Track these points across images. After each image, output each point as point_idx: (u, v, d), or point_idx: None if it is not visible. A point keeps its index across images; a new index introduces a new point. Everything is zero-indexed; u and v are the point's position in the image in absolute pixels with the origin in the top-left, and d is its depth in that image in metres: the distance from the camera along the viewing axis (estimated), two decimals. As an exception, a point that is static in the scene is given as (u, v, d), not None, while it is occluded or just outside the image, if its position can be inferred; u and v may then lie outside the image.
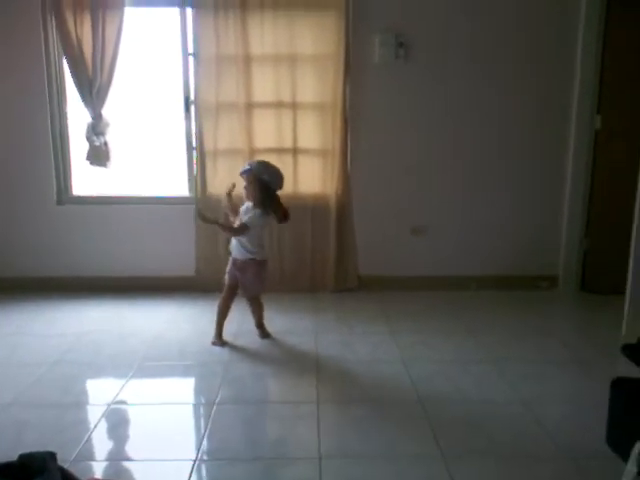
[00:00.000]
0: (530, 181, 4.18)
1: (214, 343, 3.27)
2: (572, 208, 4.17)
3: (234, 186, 3.25)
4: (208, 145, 4.05)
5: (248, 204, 3.19)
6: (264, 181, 3.10)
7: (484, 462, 2.13)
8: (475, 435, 2.31)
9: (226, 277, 3.31)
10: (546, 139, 4.14)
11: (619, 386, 2.17)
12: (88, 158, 4.05)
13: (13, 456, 1.89)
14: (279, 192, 3.20)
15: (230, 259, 3.29)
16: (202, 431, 2.37)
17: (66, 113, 4.17)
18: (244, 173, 3.16)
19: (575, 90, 4.05)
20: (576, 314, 3.99)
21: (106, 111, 4.01)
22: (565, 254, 4.23)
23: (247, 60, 3.95)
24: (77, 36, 3.89)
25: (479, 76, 4.04)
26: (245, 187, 3.18)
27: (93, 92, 3.94)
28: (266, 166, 3.16)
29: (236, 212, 3.26)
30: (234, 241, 3.23)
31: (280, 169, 3.19)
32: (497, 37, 4.01)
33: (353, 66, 3.99)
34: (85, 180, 4.27)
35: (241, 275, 3.24)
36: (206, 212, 3.31)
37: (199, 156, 4.07)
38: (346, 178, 4.11)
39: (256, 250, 3.20)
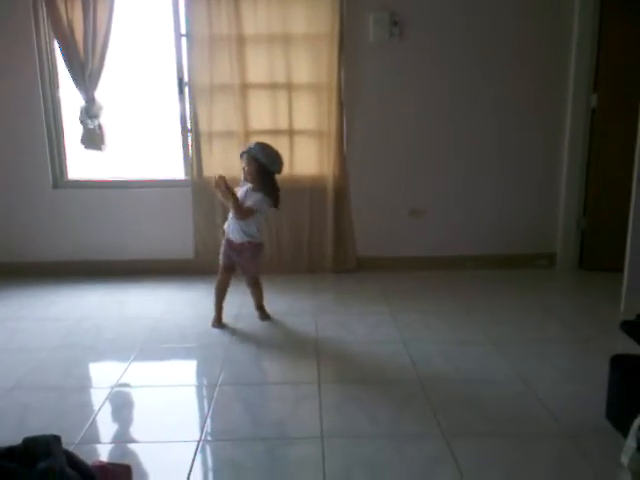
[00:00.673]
0: (527, 161, 4.18)
1: (214, 325, 3.28)
2: (569, 187, 4.18)
3: (220, 178, 3.06)
4: (203, 127, 4.02)
5: (246, 185, 3.18)
6: (260, 162, 3.09)
7: (485, 440, 2.15)
8: (476, 414, 2.33)
9: (220, 258, 3.30)
10: (543, 119, 4.13)
11: (618, 362, 2.20)
12: (82, 141, 4.03)
13: (17, 440, 1.90)
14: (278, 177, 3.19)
15: (224, 240, 3.28)
16: (205, 412, 2.38)
17: (59, 97, 4.14)
18: (242, 153, 3.15)
19: (571, 69, 4.04)
20: (574, 292, 4.01)
21: (99, 94, 3.98)
22: (563, 233, 4.24)
23: (241, 41, 3.91)
24: (68, 20, 3.85)
25: (474, 55, 4.02)
26: (243, 168, 3.17)
27: (85, 75, 3.91)
28: (263, 148, 3.13)
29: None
30: (231, 223, 3.21)
31: (279, 153, 3.16)
32: (492, 15, 3.97)
33: (347, 46, 3.96)
34: (80, 164, 4.24)
35: (238, 257, 3.24)
36: (219, 180, 3.08)
37: (194, 138, 4.05)
38: (342, 159, 4.09)
39: (254, 233, 3.19)
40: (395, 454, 2.06)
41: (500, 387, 2.56)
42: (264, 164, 3.10)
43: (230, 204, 3.11)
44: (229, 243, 3.25)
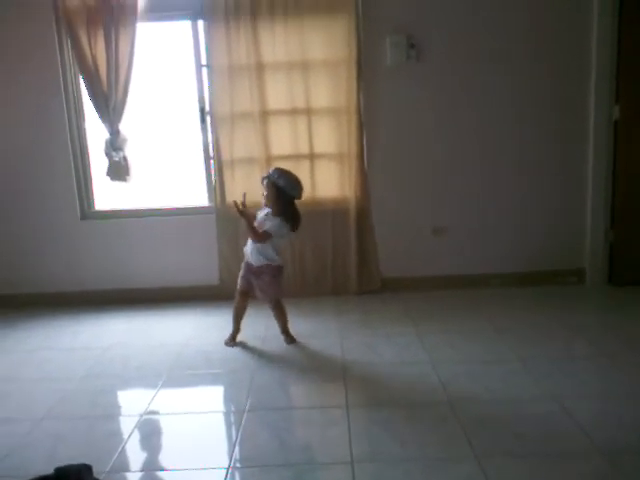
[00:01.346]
0: (551, 175, 4.13)
1: (226, 343, 3.35)
2: (595, 200, 4.11)
3: (240, 204, 3.15)
4: (225, 154, 4.08)
5: (266, 210, 3.21)
6: (279, 187, 3.13)
7: (519, 461, 2.10)
8: (507, 434, 2.28)
9: (239, 282, 3.34)
10: (565, 133, 4.09)
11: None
12: (108, 174, 4.10)
13: (49, 469, 1.93)
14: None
15: (243, 264, 3.32)
16: (233, 439, 2.37)
17: (85, 130, 4.24)
18: (263, 179, 3.21)
19: (592, 83, 4.00)
20: (603, 308, 3.92)
21: (123, 126, 4.06)
22: (591, 247, 4.17)
23: (260, 68, 3.97)
24: (91, 54, 3.95)
25: (492, 72, 4.01)
26: (263, 194, 3.21)
27: (109, 108, 4.00)
28: (283, 173, 3.17)
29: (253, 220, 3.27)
30: (249, 246, 3.26)
31: (299, 179, 3.19)
32: (509, 33, 3.97)
33: (365, 69, 3.99)
34: (107, 194, 4.33)
35: (257, 280, 3.26)
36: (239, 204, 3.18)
37: (216, 166, 4.11)
38: (364, 181, 4.10)
39: (272, 256, 3.23)
40: (427, 478, 2.02)
41: (531, 406, 2.50)
42: (283, 189, 3.13)
43: (245, 225, 3.16)
44: (248, 266, 3.29)
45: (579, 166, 4.12)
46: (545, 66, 4.00)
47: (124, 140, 4.08)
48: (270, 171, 3.21)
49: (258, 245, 3.19)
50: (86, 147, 4.26)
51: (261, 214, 3.23)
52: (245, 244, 3.33)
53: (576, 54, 3.99)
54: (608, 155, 4.06)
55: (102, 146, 4.09)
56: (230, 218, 3.97)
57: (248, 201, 3.24)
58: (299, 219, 3.23)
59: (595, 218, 4.13)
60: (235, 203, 3.14)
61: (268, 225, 3.16)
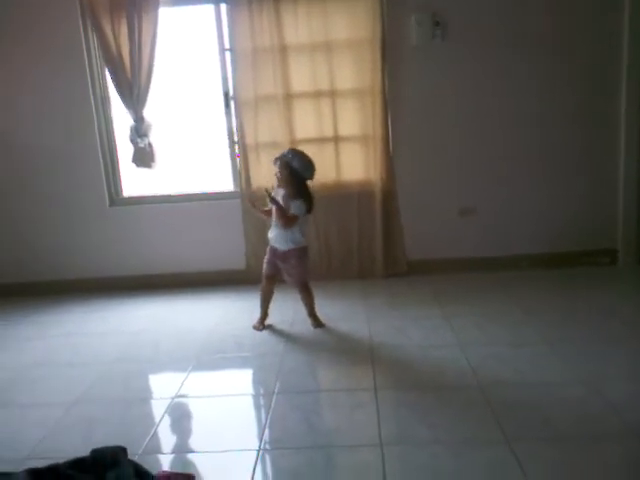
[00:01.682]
0: (582, 154, 4.05)
1: (255, 327, 3.38)
2: (628, 179, 4.02)
3: (254, 202, 3.33)
4: (249, 139, 4.08)
5: (281, 192, 3.22)
6: (293, 168, 3.14)
7: (550, 444, 2.08)
8: (538, 417, 2.26)
9: (265, 267, 3.36)
10: (596, 111, 3.99)
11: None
12: (133, 160, 4.14)
13: (84, 451, 1.98)
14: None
15: (268, 248, 3.33)
16: (263, 421, 2.40)
17: (111, 117, 4.27)
18: (276, 159, 3.20)
19: (623, 66, 3.89)
20: (635, 290, 3.84)
21: (148, 112, 4.08)
22: (623, 228, 4.08)
23: (283, 51, 3.95)
24: (115, 40, 3.97)
25: (518, 54, 3.94)
26: (276, 174, 3.21)
27: (133, 95, 4.02)
28: (296, 153, 3.19)
29: (268, 213, 3.30)
30: (274, 231, 3.26)
31: (312, 160, 3.19)
32: (537, 15, 3.87)
33: (390, 49, 3.94)
34: (134, 181, 4.37)
35: (284, 264, 3.28)
36: (256, 201, 3.38)
37: (241, 150, 4.11)
38: (389, 163, 4.07)
39: (299, 239, 3.24)
40: (457, 461, 2.02)
41: (562, 389, 2.47)
42: (298, 170, 3.14)
43: (276, 213, 3.17)
44: (273, 251, 3.30)
45: (611, 147, 4.02)
46: (575, 50, 3.90)
47: (149, 126, 4.11)
48: (284, 152, 3.21)
49: (286, 230, 3.20)
50: (113, 134, 4.30)
51: (279, 197, 3.23)
52: (270, 228, 3.34)
53: (607, 39, 3.89)
54: (640, 134, 3.96)
55: (127, 133, 4.12)
56: (258, 202, 4.00)
57: (271, 186, 3.27)
58: (313, 200, 3.23)
59: (627, 199, 4.04)
60: (266, 190, 3.17)
61: (293, 208, 3.16)
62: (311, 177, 3.21)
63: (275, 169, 3.21)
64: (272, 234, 3.29)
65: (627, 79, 3.90)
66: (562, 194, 4.09)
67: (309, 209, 3.22)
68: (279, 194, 3.22)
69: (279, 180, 3.21)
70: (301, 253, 3.27)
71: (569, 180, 4.08)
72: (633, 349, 2.84)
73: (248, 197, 3.39)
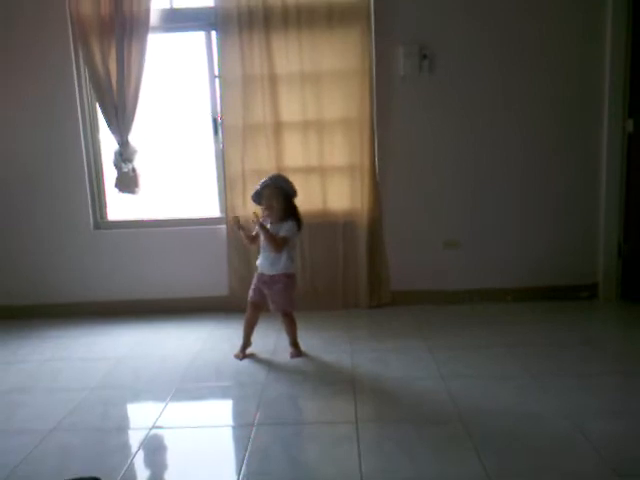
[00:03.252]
0: (564, 189, 4.11)
1: (236, 355, 3.35)
2: (608, 214, 4.08)
3: (238, 221, 3.28)
4: (236, 166, 4.08)
5: (268, 220, 3.21)
6: (284, 189, 3.16)
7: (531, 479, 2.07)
8: (519, 452, 2.25)
9: (250, 293, 3.33)
10: (578, 146, 4.07)
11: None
12: (116, 185, 4.11)
13: (59, 483, 1.93)
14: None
15: (256, 275, 3.32)
16: (242, 454, 2.36)
17: (99, 140, 4.27)
18: (260, 192, 3.18)
19: (605, 95, 3.98)
20: (617, 324, 3.88)
21: (133, 137, 4.08)
22: (604, 262, 4.13)
23: (272, 80, 3.99)
24: (102, 63, 3.98)
25: (504, 86, 4.01)
26: (266, 206, 3.19)
27: (119, 119, 4.01)
28: (277, 176, 3.26)
29: (254, 239, 3.29)
30: (262, 256, 3.26)
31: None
32: (522, 45, 3.97)
33: (378, 80, 4.00)
34: (120, 205, 4.35)
35: (269, 290, 3.26)
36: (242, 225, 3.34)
37: (228, 176, 4.11)
38: (376, 193, 4.10)
39: (287, 264, 3.23)
40: (437, 497, 2.00)
41: (544, 423, 2.47)
42: (286, 189, 3.18)
43: (266, 238, 3.16)
44: (260, 277, 3.29)
45: (592, 181, 4.09)
46: (558, 79, 3.99)
47: (133, 151, 4.08)
48: (266, 180, 3.20)
49: (272, 255, 3.19)
50: (100, 157, 4.29)
51: (270, 228, 3.22)
52: (257, 257, 3.33)
53: (590, 67, 3.98)
54: (622, 169, 4.03)
55: (111, 157, 4.11)
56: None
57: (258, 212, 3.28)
58: (300, 217, 3.26)
59: (608, 233, 4.10)
60: (255, 215, 3.16)
61: (283, 230, 3.16)
62: (296, 193, 3.24)
63: (263, 203, 3.20)
64: (260, 260, 3.29)
65: (608, 112, 3.98)
66: (544, 229, 4.14)
67: (299, 227, 3.24)
68: (267, 224, 3.22)
69: (270, 209, 3.19)
70: (287, 280, 3.26)
71: (552, 215, 4.13)
72: (614, 383, 2.86)
73: (232, 218, 3.37)
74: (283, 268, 3.22)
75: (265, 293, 3.29)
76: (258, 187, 3.22)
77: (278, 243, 3.15)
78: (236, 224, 3.28)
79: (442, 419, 2.55)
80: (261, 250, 3.27)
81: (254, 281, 3.33)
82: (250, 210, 3.37)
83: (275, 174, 3.32)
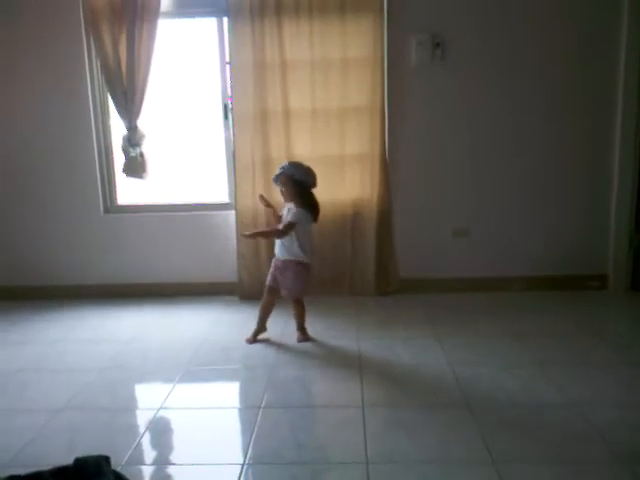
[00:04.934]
0: (576, 178, 4.08)
1: (247, 340, 3.36)
2: (620, 204, 4.05)
3: (262, 197, 3.41)
4: (245, 153, 4.08)
5: (289, 205, 3.24)
6: (296, 180, 3.16)
7: (536, 467, 2.07)
8: (525, 439, 2.25)
9: (268, 278, 3.36)
10: (591, 135, 4.03)
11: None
12: (124, 170, 4.13)
13: (67, 460, 1.95)
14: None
15: (273, 260, 3.34)
16: (249, 435, 2.38)
17: (109, 126, 4.28)
18: (277, 177, 3.22)
19: (620, 84, 3.93)
20: (626, 314, 3.86)
21: (142, 122, 4.08)
22: (614, 253, 4.10)
23: (284, 67, 3.97)
24: (112, 48, 3.99)
25: (517, 75, 3.97)
26: (281, 190, 3.24)
27: (127, 104, 4.02)
28: (296, 166, 3.22)
29: (278, 218, 3.31)
30: (278, 241, 3.28)
31: (310, 167, 3.23)
32: (535, 32, 3.92)
33: (390, 68, 3.97)
34: (130, 189, 4.37)
35: (281, 275, 3.27)
36: (245, 231, 3.45)
37: (236, 164, 4.11)
38: (386, 181, 4.08)
39: (298, 252, 3.23)
40: (442, 481, 2.01)
41: (550, 411, 2.47)
42: (300, 180, 3.17)
43: (263, 235, 3.36)
44: (275, 262, 3.32)
45: (604, 171, 4.06)
46: (572, 70, 3.95)
47: (142, 136, 4.09)
48: (282, 167, 3.22)
49: (283, 240, 3.22)
50: (110, 142, 4.31)
51: (285, 209, 3.27)
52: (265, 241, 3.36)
53: (605, 58, 3.93)
54: (634, 159, 3.99)
55: (119, 142, 4.12)
56: (249, 217, 4.04)
57: (268, 199, 3.33)
58: (318, 208, 3.25)
59: (619, 223, 4.07)
60: (261, 196, 3.34)
61: (290, 216, 3.18)
62: (314, 184, 3.23)
63: (279, 186, 3.24)
64: (276, 245, 3.32)
65: (623, 101, 3.94)
66: (555, 218, 4.12)
67: (315, 217, 3.24)
68: (287, 207, 3.25)
69: (285, 195, 3.23)
70: (299, 268, 3.26)
71: (562, 204, 4.11)
72: (621, 373, 2.84)
73: (259, 197, 3.43)
74: (294, 255, 3.23)
75: (278, 279, 3.31)
76: (278, 171, 3.25)
77: (279, 232, 3.19)
78: (264, 201, 3.38)
79: (449, 405, 2.56)
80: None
81: (272, 266, 3.35)
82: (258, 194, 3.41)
83: (291, 162, 3.28)
